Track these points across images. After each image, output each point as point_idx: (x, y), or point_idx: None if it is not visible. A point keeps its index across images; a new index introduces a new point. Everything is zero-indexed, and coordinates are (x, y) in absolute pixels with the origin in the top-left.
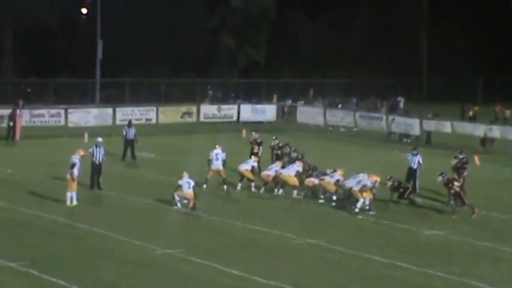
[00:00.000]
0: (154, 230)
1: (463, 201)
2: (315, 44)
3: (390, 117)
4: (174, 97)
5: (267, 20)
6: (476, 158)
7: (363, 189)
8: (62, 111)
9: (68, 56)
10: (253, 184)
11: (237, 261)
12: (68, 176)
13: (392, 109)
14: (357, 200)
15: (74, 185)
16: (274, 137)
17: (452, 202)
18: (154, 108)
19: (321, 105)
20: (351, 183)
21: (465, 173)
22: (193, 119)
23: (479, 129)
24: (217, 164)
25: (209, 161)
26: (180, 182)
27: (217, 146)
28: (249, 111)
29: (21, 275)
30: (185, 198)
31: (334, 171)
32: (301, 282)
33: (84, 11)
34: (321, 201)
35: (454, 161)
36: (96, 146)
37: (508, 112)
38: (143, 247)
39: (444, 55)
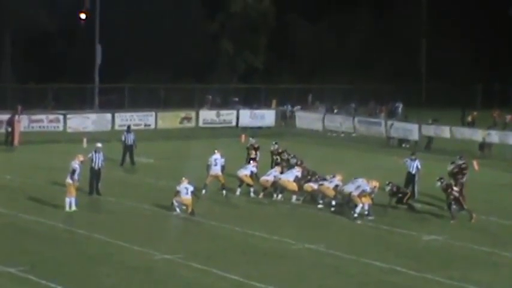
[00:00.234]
0: (153, 235)
1: (461, 206)
2: (315, 49)
3: (389, 123)
4: (173, 102)
5: (266, 25)
6: (475, 163)
7: (362, 194)
8: (61, 117)
9: (67, 61)
10: (252, 189)
11: (236, 266)
12: (69, 181)
13: (391, 114)
14: (356, 205)
15: (73, 190)
16: (274, 142)
17: (454, 207)
18: (153, 114)
19: (321, 110)
20: (350, 188)
21: (464, 179)
22: (192, 124)
23: (477, 134)
24: (216, 169)
25: (208, 167)
26: (178, 188)
27: (216, 151)
28: (248, 117)
29: (21, 281)
30: (183, 204)
31: (334, 176)
32: (300, 287)
33: (83, 16)
34: (319, 206)
35: (450, 167)
36: (96, 152)
37: (508, 117)
38: (142, 252)
39: (443, 61)
